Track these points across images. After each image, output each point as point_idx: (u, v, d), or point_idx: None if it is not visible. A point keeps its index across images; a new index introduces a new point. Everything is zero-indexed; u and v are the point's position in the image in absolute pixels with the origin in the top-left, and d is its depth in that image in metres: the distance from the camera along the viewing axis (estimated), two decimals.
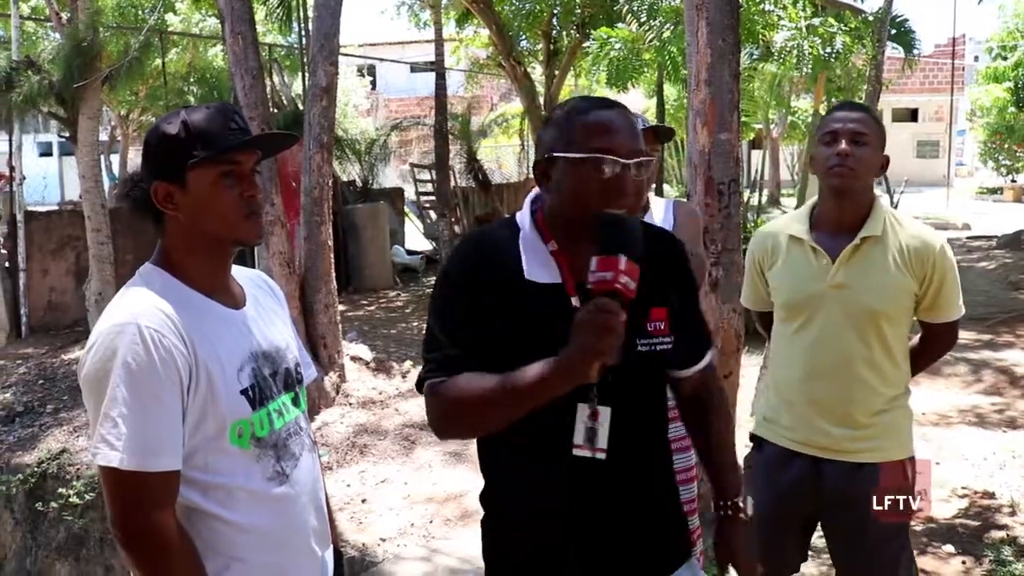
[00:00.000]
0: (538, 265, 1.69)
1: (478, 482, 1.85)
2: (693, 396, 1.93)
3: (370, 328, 9.35)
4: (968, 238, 15.67)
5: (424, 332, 1.76)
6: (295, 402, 1.82)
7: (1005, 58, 25.66)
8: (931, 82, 32.23)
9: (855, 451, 2.50)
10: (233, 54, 6.16)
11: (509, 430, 1.65)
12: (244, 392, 1.67)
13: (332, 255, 6.82)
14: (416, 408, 6.62)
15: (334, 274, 6.86)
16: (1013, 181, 28.99)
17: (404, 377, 7.29)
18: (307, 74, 7.37)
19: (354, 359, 7.25)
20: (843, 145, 2.42)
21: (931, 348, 2.70)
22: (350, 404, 6.58)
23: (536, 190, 1.78)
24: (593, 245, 1.55)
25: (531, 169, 1.77)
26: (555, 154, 1.67)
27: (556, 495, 1.71)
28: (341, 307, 10.61)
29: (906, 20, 11.01)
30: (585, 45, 9.56)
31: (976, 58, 34.80)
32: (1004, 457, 5.31)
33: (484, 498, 1.86)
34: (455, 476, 5.42)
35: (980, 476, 5.10)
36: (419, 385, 1.74)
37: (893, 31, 9.71)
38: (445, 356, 1.68)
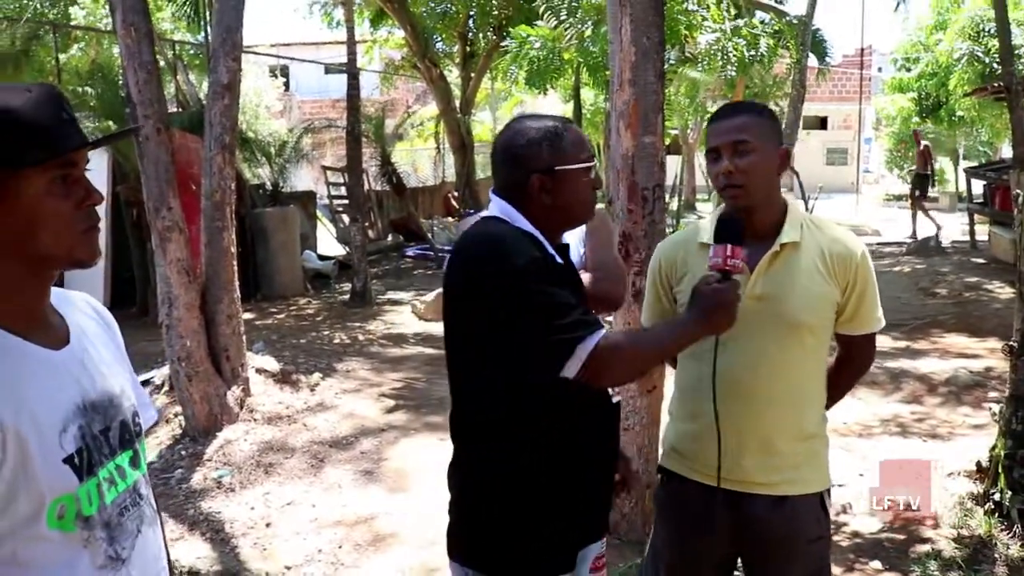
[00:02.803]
0: (552, 251, 2.02)
1: (390, 503, 1.61)
2: None
3: (279, 338, 8.95)
4: (879, 244, 15.99)
5: (546, 307, 1.87)
6: (134, 463, 1.48)
7: (909, 69, 26.43)
8: (839, 91, 33.09)
9: (776, 483, 2.27)
10: (125, 47, 5.73)
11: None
12: (69, 460, 1.31)
13: (236, 262, 6.42)
14: (324, 423, 6.29)
15: (238, 282, 6.46)
16: None
17: (312, 390, 6.94)
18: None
19: (260, 371, 6.86)
20: (725, 163, 2.20)
21: (851, 366, 2.50)
22: (255, 420, 6.20)
23: (495, 204, 2.07)
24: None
25: (508, 187, 2.05)
26: (561, 168, 2.01)
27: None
28: (248, 316, 10.19)
29: (819, 30, 11.16)
30: (503, 45, 9.34)
31: (880, 69, 35.88)
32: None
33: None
34: (366, 497, 5.11)
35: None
36: (572, 344, 1.85)
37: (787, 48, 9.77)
38: (584, 317, 1.90)
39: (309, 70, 28.47)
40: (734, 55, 7.61)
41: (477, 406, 2.05)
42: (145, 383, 6.79)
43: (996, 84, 14.06)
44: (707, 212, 24.67)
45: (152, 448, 5.89)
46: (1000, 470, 4.53)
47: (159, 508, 1.56)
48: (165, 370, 6.53)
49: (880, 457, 5.49)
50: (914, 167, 18.38)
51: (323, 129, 15.59)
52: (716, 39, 7.61)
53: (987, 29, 19.21)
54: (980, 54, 19.14)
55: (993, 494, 4.54)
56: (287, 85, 32.16)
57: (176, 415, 6.20)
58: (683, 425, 2.42)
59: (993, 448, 4.66)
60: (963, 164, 29.30)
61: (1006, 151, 29.01)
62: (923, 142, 18.51)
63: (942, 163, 30.35)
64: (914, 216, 16.77)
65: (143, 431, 1.53)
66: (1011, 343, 4.54)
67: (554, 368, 1.87)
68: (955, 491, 4.85)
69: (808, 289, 2.25)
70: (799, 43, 8.38)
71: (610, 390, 2.09)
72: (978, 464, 4.81)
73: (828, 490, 2.37)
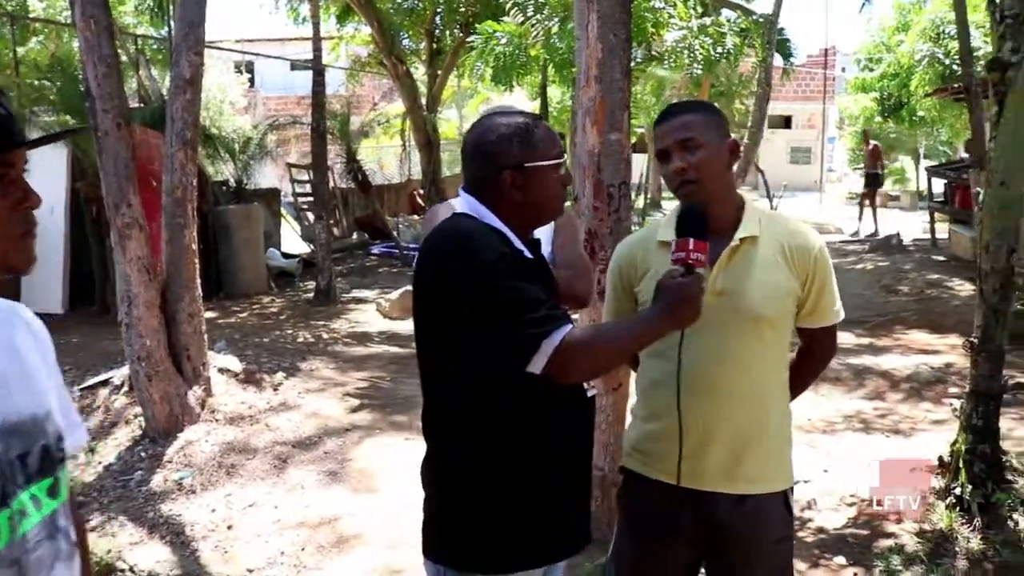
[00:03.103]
0: (522, 246, 2.03)
1: (353, 504, 1.57)
2: None
3: (241, 336, 8.84)
4: (842, 241, 16.15)
5: (514, 302, 1.86)
6: (52, 492, 1.33)
7: (872, 70, 26.76)
8: (803, 91, 33.40)
9: (738, 482, 2.25)
10: (85, 40, 5.61)
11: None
12: None
13: (197, 260, 6.33)
14: (287, 423, 6.22)
15: (199, 280, 6.36)
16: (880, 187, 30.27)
17: (276, 390, 6.86)
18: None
19: (222, 371, 6.77)
20: (676, 163, 2.20)
21: (813, 360, 2.50)
22: (216, 420, 6.11)
23: (464, 201, 2.08)
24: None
25: (476, 182, 2.06)
26: (532, 164, 2.01)
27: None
28: (211, 314, 10.06)
29: (783, 29, 11.22)
30: (469, 40, 9.27)
31: (843, 69, 36.29)
32: None
33: None
34: (329, 498, 5.05)
35: (866, 483, 5.06)
36: (537, 340, 1.84)
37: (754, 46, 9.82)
38: (552, 312, 1.88)
39: (274, 66, 28.18)
40: (700, 53, 7.61)
41: (446, 402, 2.05)
42: (104, 383, 6.67)
43: (956, 85, 14.25)
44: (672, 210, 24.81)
45: (111, 450, 5.78)
46: (961, 465, 4.57)
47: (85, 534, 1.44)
48: (125, 370, 6.41)
49: (844, 453, 5.56)
50: (862, 166, 18.75)
51: (288, 126, 15.45)
52: (683, 36, 7.60)
53: (947, 31, 19.49)
54: (940, 55, 19.41)
55: (954, 488, 4.58)
56: (252, 81, 31.86)
57: (136, 416, 6.09)
58: (646, 424, 2.40)
59: (954, 443, 4.70)
60: (924, 163, 29.75)
61: (965, 151, 29.44)
62: (872, 141, 18.86)
63: (903, 162, 30.80)
64: (870, 213, 17.15)
65: (66, 457, 1.39)
66: (972, 339, 4.58)
67: (520, 363, 1.87)
68: (918, 485, 4.89)
69: (768, 283, 2.24)
70: (765, 41, 8.39)
71: (585, 384, 2.07)
72: (940, 459, 4.85)
73: (791, 488, 2.36)
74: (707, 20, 7.91)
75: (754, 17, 8.72)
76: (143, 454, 5.70)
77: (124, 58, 11.90)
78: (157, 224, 6.34)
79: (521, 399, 1.97)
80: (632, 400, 2.72)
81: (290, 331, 9.35)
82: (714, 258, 2.20)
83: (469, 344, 1.95)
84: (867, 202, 17.53)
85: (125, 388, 6.48)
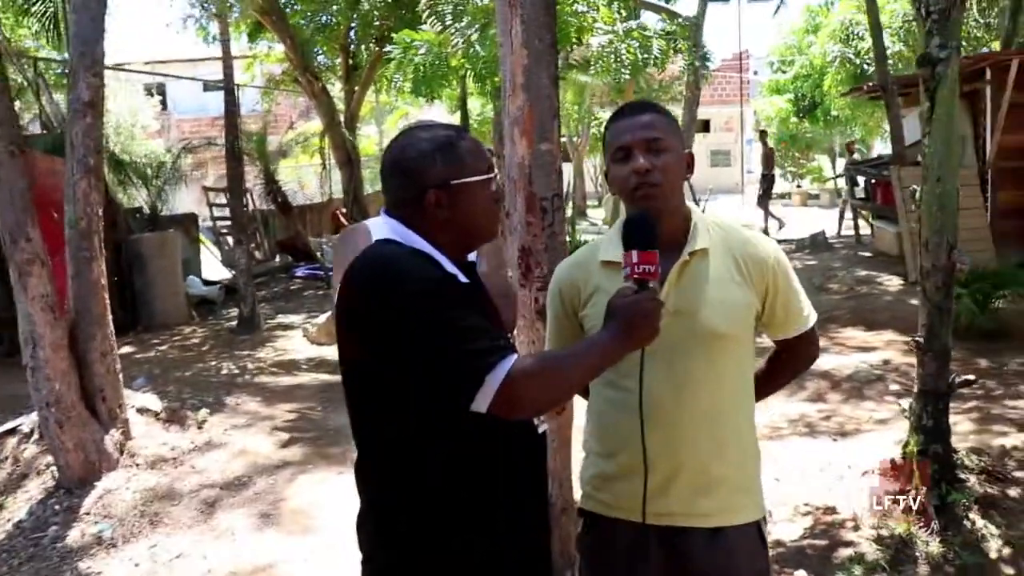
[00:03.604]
0: (455, 269, 1.85)
1: (289, 548, 1.34)
2: None
3: (161, 372, 8.41)
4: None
5: (450, 333, 1.69)
6: None
7: (785, 71, 27.34)
8: (720, 95, 33.93)
9: (710, 514, 2.07)
10: None
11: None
12: None
13: (107, 294, 5.93)
14: (214, 464, 5.86)
15: (111, 316, 5.98)
16: (799, 186, 30.96)
17: (200, 428, 6.48)
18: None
19: (141, 411, 6.36)
20: (640, 161, 2.00)
21: (793, 363, 2.34)
22: (137, 465, 5.72)
23: (386, 225, 1.88)
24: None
25: (397, 203, 1.89)
26: (459, 180, 1.83)
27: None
28: (128, 349, 9.62)
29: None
30: (386, 51, 8.98)
31: (756, 72, 37.01)
32: (840, 468, 5.21)
33: None
34: (263, 543, 4.74)
35: (819, 490, 4.97)
36: (480, 374, 1.66)
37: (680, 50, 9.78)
38: (497, 343, 1.71)
39: (187, 88, 27.46)
40: (627, 57, 7.46)
41: (379, 449, 1.84)
42: (12, 432, 6.21)
43: (871, 84, 14.50)
44: (598, 218, 24.92)
45: (22, 504, 5.36)
46: (915, 467, 4.49)
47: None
48: (35, 416, 5.98)
49: (792, 459, 5.46)
50: (761, 168, 19.19)
51: (202, 148, 14.95)
52: (608, 41, 7.44)
53: (857, 32, 19.96)
54: (851, 56, 19.87)
55: (909, 491, 4.50)
56: (164, 104, 31.05)
57: (48, 466, 5.66)
58: (604, 461, 2.18)
59: (906, 445, 4.63)
60: (839, 161, 30.47)
61: (878, 148, 30.26)
62: (768, 143, 19.30)
63: (820, 161, 31.47)
64: (766, 214, 17.55)
65: None
66: (917, 338, 4.51)
67: (462, 401, 1.69)
68: (872, 489, 4.80)
69: (724, 299, 2.07)
70: (691, 44, 8.31)
71: (535, 419, 1.90)
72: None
73: (764, 518, 2.19)
74: (633, 23, 7.78)
75: (680, 20, 8.65)
76: (57, 507, 5.29)
77: (23, 83, 11.35)
78: (58, 259, 5.93)
79: (465, 441, 1.78)
80: (578, 425, 2.52)
81: (213, 362, 8.94)
82: (664, 275, 2.01)
83: (402, 384, 1.75)
84: (765, 203, 17.89)
85: (36, 436, 6.04)
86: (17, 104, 14.17)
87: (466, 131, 1.97)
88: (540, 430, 1.94)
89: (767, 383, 2.28)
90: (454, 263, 1.87)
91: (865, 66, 19.35)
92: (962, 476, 4.63)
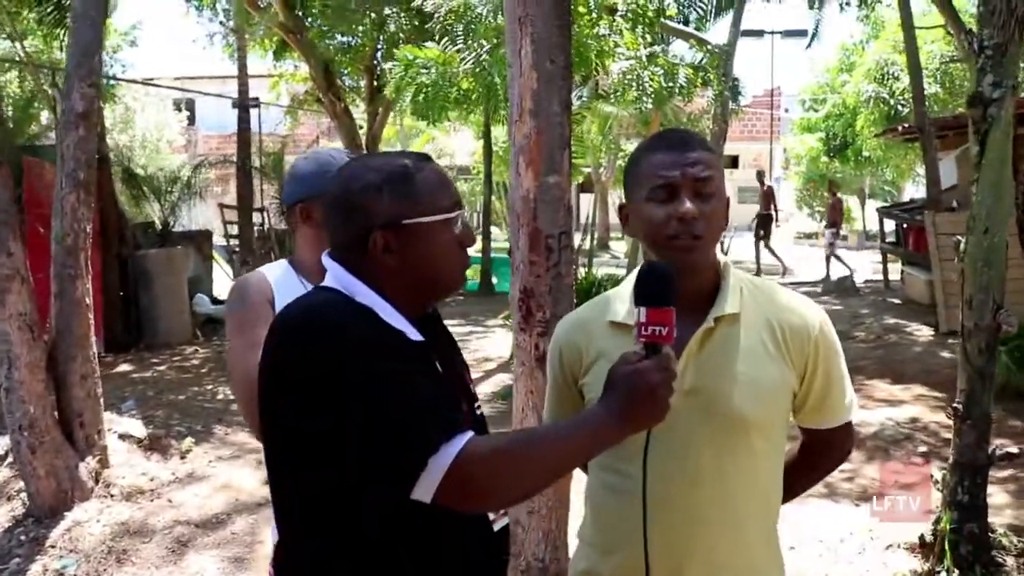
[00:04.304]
0: (406, 325, 1.53)
1: None
2: None
3: (155, 393, 8.10)
4: (793, 284, 15.86)
5: (388, 405, 1.39)
6: None
7: (816, 110, 27.00)
8: (750, 131, 33.60)
9: None
10: None
11: None
12: None
13: (92, 314, 5.64)
14: (193, 498, 5.52)
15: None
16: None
17: (183, 458, 6.15)
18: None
19: (123, 437, 6.05)
20: (688, 206, 1.63)
21: (823, 461, 1.94)
22: (112, 496, 5.39)
23: (328, 270, 1.58)
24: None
25: (345, 247, 1.57)
26: (411, 220, 1.53)
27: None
28: (126, 367, 9.35)
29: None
30: (387, 67, 8.60)
31: (787, 110, 36.69)
32: (862, 538, 4.80)
33: None
34: None
35: (839, 562, 4.58)
36: (422, 456, 1.36)
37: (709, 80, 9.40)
38: (449, 417, 1.42)
39: (215, 104, 27.50)
40: (650, 86, 7.05)
41: (305, 539, 1.53)
42: None
43: (907, 125, 14.11)
44: (620, 251, 24.50)
45: None
46: (946, 546, 4.08)
47: None
48: (7, 439, 5.68)
49: (810, 526, 5.03)
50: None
51: (219, 164, 14.76)
52: (631, 67, 7.02)
53: (892, 72, 19.61)
54: (886, 96, 19.50)
55: (939, 573, 4.10)
56: (192, 119, 31.19)
57: (19, 491, 5.35)
58: (600, 556, 1.81)
59: (937, 521, 4.21)
60: (869, 203, 30.01)
61: (909, 191, 29.80)
62: (767, 183, 19.00)
63: (849, 202, 31.02)
64: (766, 252, 17.13)
65: None
66: (956, 405, 4.11)
67: (401, 488, 1.40)
68: (896, 567, 4.39)
69: (755, 377, 1.69)
70: (720, 74, 7.90)
71: (491, 514, 1.61)
72: (921, 538, 4.36)
73: None
74: (657, 48, 7.38)
75: (709, 47, 8.26)
76: (23, 537, 4.98)
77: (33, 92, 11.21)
78: (41, 276, 5.66)
79: (404, 536, 1.48)
80: (578, 489, 2.14)
81: (210, 386, 8.62)
82: (682, 345, 1.65)
83: (330, 465, 1.43)
84: (766, 243, 17.47)
85: (9, 459, 5.74)
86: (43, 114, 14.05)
87: (428, 159, 1.63)
88: (496, 527, 1.62)
89: (791, 482, 1.88)
90: (407, 317, 1.54)
91: (899, 107, 18.97)
92: (999, 559, 4.21)
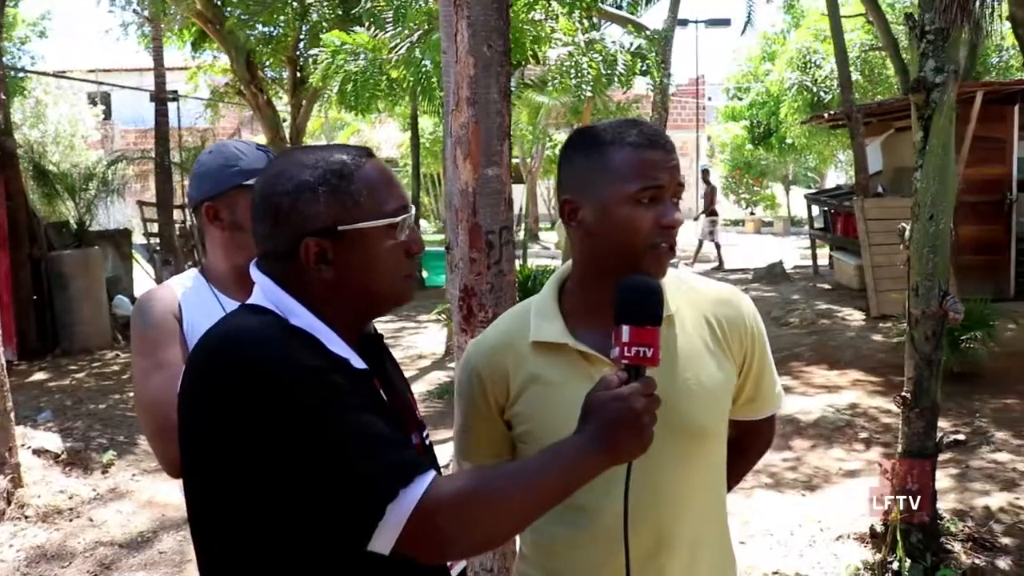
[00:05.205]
0: (349, 352, 1.32)
1: None
2: None
3: (73, 403, 7.69)
4: (724, 271, 15.95)
5: (335, 446, 1.20)
6: None
7: (740, 98, 27.32)
8: (675, 120, 33.82)
9: None
10: None
11: None
12: None
13: None
14: (116, 516, 5.21)
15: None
16: (752, 213, 30.98)
17: (105, 473, 5.82)
18: None
19: (38, 453, 5.72)
20: (678, 214, 1.50)
21: (752, 454, 1.84)
22: (27, 518, 5.07)
23: (256, 284, 1.37)
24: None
25: (280, 254, 1.35)
26: (349, 226, 1.32)
27: None
28: (41, 376, 8.89)
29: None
30: (311, 53, 8.24)
31: (710, 98, 37.12)
32: (811, 530, 4.76)
33: None
34: None
35: (789, 555, 4.51)
36: (380, 503, 1.18)
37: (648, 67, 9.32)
38: (406, 455, 1.24)
39: (132, 97, 26.57)
40: (589, 72, 6.86)
41: None
42: None
43: (833, 112, 14.28)
44: (551, 241, 24.42)
45: None
46: (898, 536, 4.03)
47: None
48: None
49: (758, 518, 4.97)
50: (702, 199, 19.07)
51: (138, 160, 14.19)
52: (568, 54, 6.83)
53: (814, 60, 19.89)
54: (809, 83, 19.77)
55: (891, 563, 4.06)
56: (107, 113, 30.12)
57: None
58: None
59: (888, 512, 4.16)
60: (793, 190, 30.55)
61: (832, 177, 30.43)
62: (710, 182, 19.21)
63: (774, 189, 31.55)
64: (713, 248, 17.24)
65: None
66: (904, 394, 4.06)
67: (356, 541, 1.21)
68: (847, 559, 4.34)
69: (702, 380, 1.56)
70: (659, 61, 7.78)
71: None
72: (871, 529, 4.32)
73: None
74: (596, 35, 7.21)
75: (648, 32, 8.12)
76: None
77: None
78: None
79: None
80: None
81: (132, 393, 8.23)
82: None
83: (270, 523, 1.23)
84: (713, 241, 17.63)
85: None
86: None
87: (370, 155, 1.41)
88: (455, 572, 1.48)
89: (728, 476, 1.73)
90: (345, 339, 1.34)
91: (822, 94, 19.25)
92: (948, 545, 4.19)
